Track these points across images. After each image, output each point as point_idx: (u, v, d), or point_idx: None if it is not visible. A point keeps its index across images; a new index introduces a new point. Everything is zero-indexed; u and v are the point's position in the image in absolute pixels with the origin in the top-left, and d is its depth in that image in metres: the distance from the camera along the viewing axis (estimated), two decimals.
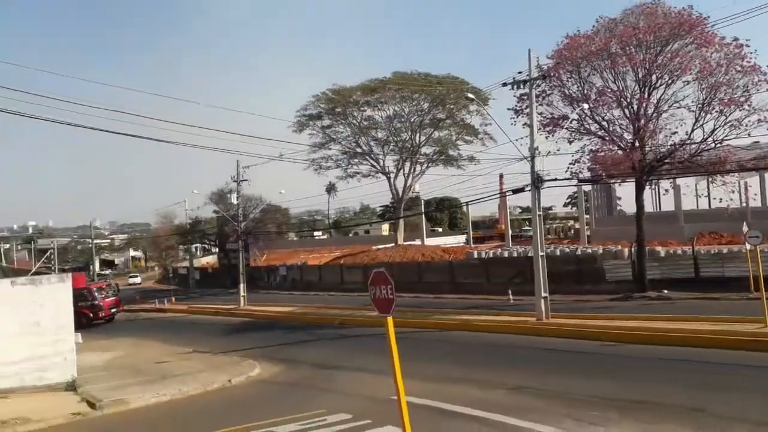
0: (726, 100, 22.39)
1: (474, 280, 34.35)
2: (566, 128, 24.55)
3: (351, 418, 10.47)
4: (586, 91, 24.56)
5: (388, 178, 55.25)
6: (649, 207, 39.57)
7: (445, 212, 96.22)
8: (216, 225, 59.76)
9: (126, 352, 21.65)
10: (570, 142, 25.54)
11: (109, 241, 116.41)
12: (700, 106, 23.12)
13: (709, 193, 37.58)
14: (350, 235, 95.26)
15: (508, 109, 25.50)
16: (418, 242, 62.66)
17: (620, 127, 24.91)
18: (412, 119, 53.30)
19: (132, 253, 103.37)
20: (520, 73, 21.70)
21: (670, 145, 24.42)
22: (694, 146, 23.82)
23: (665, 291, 25.35)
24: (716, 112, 22.83)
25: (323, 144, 54.67)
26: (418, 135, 54.13)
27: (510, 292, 28.43)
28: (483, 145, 54.01)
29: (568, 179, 25.45)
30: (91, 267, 74.33)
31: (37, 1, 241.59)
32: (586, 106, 23.96)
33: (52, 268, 52.86)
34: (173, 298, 43.28)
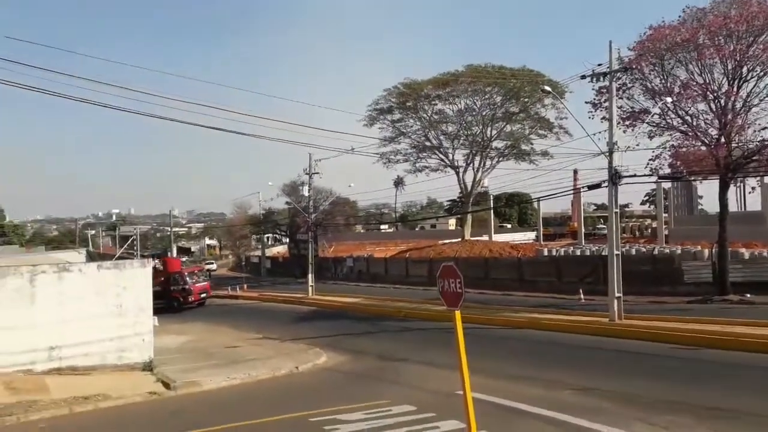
0: None
1: (543, 278, 33.59)
2: (647, 123, 23.59)
3: (415, 410, 10.48)
4: (669, 84, 23.53)
5: (457, 173, 54.73)
6: (733, 206, 37.49)
7: (515, 208, 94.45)
8: (287, 216, 61.17)
9: (198, 336, 22.51)
10: (650, 137, 24.58)
11: (186, 229, 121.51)
12: None
13: None
14: (416, 229, 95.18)
15: (586, 102, 24.79)
16: (485, 238, 61.87)
17: (705, 122, 23.79)
18: (484, 113, 52.48)
19: (207, 241, 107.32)
20: (599, 65, 20.96)
21: (759, 141, 23.07)
22: None
23: (748, 295, 23.99)
24: None
25: (393, 138, 54.75)
26: (489, 129, 53.27)
27: (581, 291, 27.69)
28: (558, 140, 52.50)
29: (647, 176, 24.38)
30: (169, 254, 77.73)
31: None
32: (669, 99, 22.90)
33: (135, 254, 55.59)
34: (245, 286, 44.62)
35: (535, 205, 71.91)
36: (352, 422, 9.92)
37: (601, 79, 21.41)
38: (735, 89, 22.56)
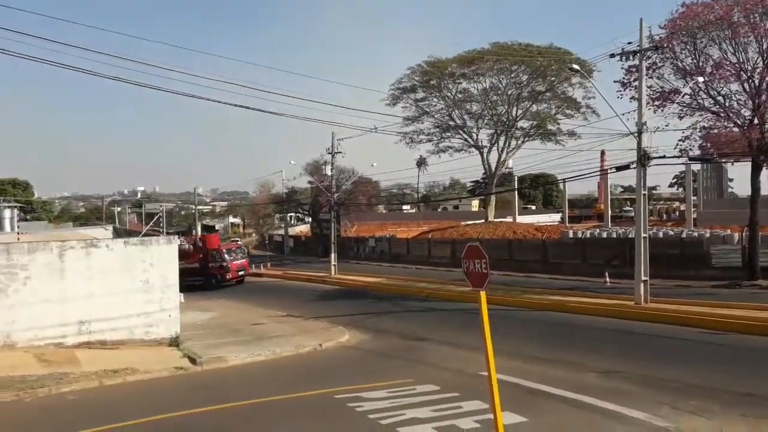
0: None
1: (568, 260, 33.28)
2: (677, 103, 23.04)
3: (439, 390, 10.51)
4: (701, 64, 22.91)
5: (481, 153, 54.23)
6: (765, 190, 36.56)
7: (540, 189, 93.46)
8: (310, 195, 61.34)
9: (223, 313, 22.81)
10: (680, 118, 24.03)
11: (210, 207, 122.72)
12: None
13: None
14: (439, 209, 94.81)
15: (615, 81, 24.27)
16: (509, 219, 61.43)
17: (738, 103, 23.24)
18: (510, 92, 51.78)
19: (231, 219, 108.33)
20: (629, 43, 20.42)
21: None
22: None
23: None
24: None
25: (416, 117, 54.36)
26: (515, 108, 52.57)
27: (607, 274, 27.39)
28: (585, 120, 51.67)
29: (676, 157, 23.89)
30: (194, 231, 78.71)
31: None
32: (701, 79, 22.30)
33: (161, 231, 56.35)
34: (269, 264, 45.02)
35: (561, 186, 71.09)
36: (375, 400, 9.98)
37: (631, 57, 20.86)
38: None
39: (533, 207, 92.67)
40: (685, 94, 23.02)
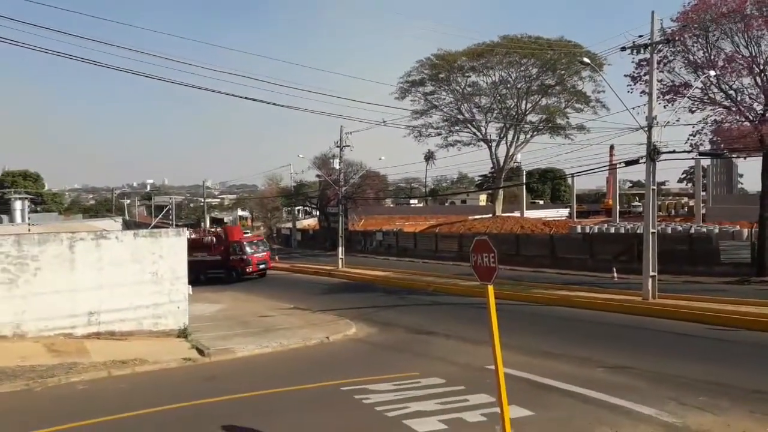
0: None
1: (576, 255, 33.18)
2: (688, 97, 22.84)
3: (444, 383, 10.53)
4: (713, 57, 22.66)
5: (490, 147, 53.97)
6: None
7: (548, 184, 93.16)
8: (318, 188, 61.42)
9: (231, 305, 22.92)
10: (692, 112, 23.83)
11: (219, 200, 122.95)
12: None
13: None
14: (447, 204, 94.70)
15: (625, 75, 24.03)
16: (517, 214, 61.25)
17: (750, 97, 22.98)
18: (519, 85, 51.44)
19: (240, 212, 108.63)
20: (640, 36, 20.23)
21: None
22: None
23: None
24: None
25: (425, 111, 54.15)
26: (524, 102, 52.22)
27: (614, 269, 27.29)
28: (594, 114, 51.32)
29: (686, 152, 23.70)
30: (202, 224, 79.03)
31: None
32: (712, 73, 22.09)
33: (170, 223, 56.62)
34: (276, 257, 45.14)
35: (569, 181, 70.82)
36: (381, 392, 10.03)
37: (642, 51, 20.69)
38: None
39: (541, 202, 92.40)
40: (696, 88, 22.83)
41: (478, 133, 53.82)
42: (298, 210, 78.11)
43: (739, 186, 66.42)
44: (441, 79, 52.81)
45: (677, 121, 22.49)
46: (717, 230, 33.77)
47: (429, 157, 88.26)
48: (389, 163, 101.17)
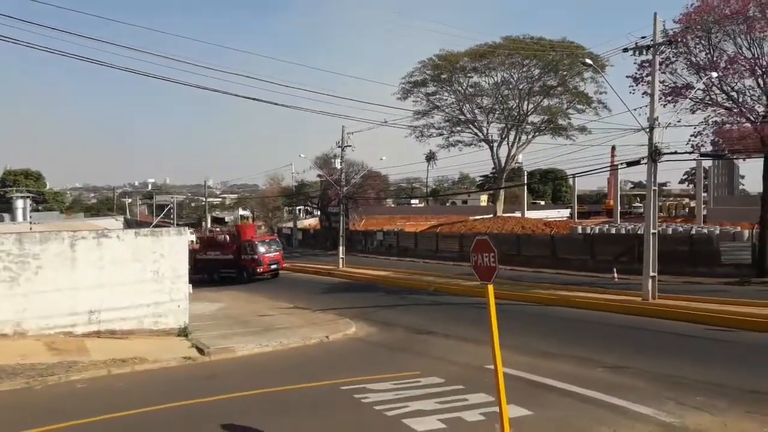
0: None
1: (577, 256, 33.17)
2: (690, 98, 22.83)
3: (444, 382, 10.55)
4: (715, 59, 22.66)
5: (491, 147, 53.95)
6: None
7: (549, 185, 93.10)
8: (319, 188, 61.44)
9: (231, 304, 22.94)
10: (693, 112, 23.82)
11: (220, 199, 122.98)
12: None
13: None
14: (447, 204, 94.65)
15: (627, 76, 24.01)
16: (517, 214, 61.20)
17: (751, 98, 22.96)
18: (521, 86, 51.44)
19: (241, 212, 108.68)
20: (643, 38, 20.22)
21: None
22: None
23: None
24: None
25: (426, 112, 54.16)
26: (526, 103, 52.23)
27: (615, 270, 27.28)
28: (596, 115, 51.28)
29: (688, 153, 23.67)
30: (204, 223, 79.08)
31: None
32: (714, 74, 22.09)
33: (171, 222, 56.67)
34: None
35: (570, 181, 70.78)
36: (381, 391, 10.05)
37: (644, 52, 20.69)
38: None
39: (542, 202, 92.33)
40: (698, 89, 22.82)
41: (480, 134, 53.84)
42: (300, 210, 78.16)
43: (741, 187, 66.37)
44: (443, 80, 52.83)
45: (679, 122, 22.51)
46: (718, 231, 33.76)
47: (430, 157, 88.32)
48: (390, 163, 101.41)
